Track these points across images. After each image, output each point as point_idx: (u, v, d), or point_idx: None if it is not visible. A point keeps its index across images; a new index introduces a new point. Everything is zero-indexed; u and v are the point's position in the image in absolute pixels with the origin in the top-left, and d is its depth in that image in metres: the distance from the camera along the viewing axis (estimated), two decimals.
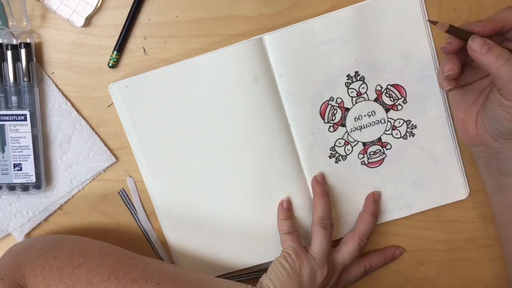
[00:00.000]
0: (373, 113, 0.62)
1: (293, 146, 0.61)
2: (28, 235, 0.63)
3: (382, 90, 0.61)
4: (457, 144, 0.63)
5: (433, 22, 0.53)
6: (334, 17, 0.59)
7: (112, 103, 0.61)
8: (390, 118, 0.62)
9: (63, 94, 0.61)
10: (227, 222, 0.62)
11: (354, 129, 0.62)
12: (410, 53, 0.60)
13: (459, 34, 0.52)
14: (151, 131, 0.60)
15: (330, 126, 0.62)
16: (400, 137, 0.63)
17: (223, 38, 0.61)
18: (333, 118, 0.62)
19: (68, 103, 0.61)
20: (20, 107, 0.59)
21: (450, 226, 0.66)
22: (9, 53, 0.58)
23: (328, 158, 0.62)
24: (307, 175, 0.62)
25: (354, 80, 0.61)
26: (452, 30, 0.52)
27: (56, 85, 0.61)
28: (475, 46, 0.51)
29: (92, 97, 0.61)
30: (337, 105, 0.61)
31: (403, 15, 0.60)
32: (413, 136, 0.63)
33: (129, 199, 0.63)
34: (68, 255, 0.52)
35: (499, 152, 0.55)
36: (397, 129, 0.62)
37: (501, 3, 0.61)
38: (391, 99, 0.62)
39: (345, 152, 0.62)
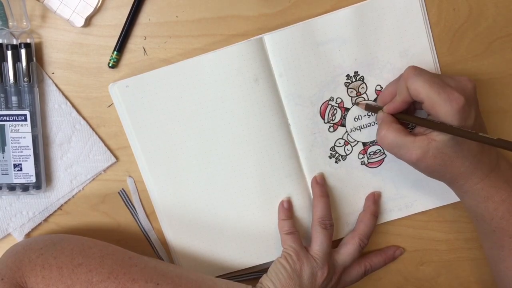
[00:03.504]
0: (373, 113, 0.62)
1: (293, 146, 0.61)
2: (28, 235, 0.63)
3: (382, 90, 0.61)
4: None
5: (355, 104, 0.61)
6: (334, 17, 0.59)
7: (112, 103, 0.61)
8: None
9: (63, 94, 0.61)
10: (227, 222, 0.62)
11: (354, 129, 0.62)
12: (410, 53, 0.61)
13: (374, 110, 0.60)
14: (151, 131, 0.60)
15: (330, 126, 0.62)
16: None
17: (223, 38, 0.61)
18: (333, 118, 0.62)
19: (68, 103, 0.61)
20: (20, 107, 0.59)
21: (450, 226, 0.66)
22: (9, 53, 0.58)
23: (328, 158, 0.62)
24: (307, 175, 0.62)
25: (353, 80, 0.61)
26: (368, 108, 0.60)
27: (56, 85, 0.61)
28: (377, 121, 0.59)
29: (92, 97, 0.61)
30: (337, 105, 0.61)
31: (403, 15, 0.60)
32: None
33: (129, 199, 0.63)
34: (68, 254, 0.52)
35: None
36: None
37: (500, 2, 0.61)
38: None
39: (345, 152, 0.62)
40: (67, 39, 0.60)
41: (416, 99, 0.54)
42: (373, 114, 0.62)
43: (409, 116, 0.56)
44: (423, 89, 0.52)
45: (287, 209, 0.62)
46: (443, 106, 0.51)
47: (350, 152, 0.63)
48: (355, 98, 0.61)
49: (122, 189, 0.63)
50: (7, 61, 0.58)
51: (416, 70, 0.53)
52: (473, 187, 0.55)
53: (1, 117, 0.59)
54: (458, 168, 0.54)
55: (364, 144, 0.63)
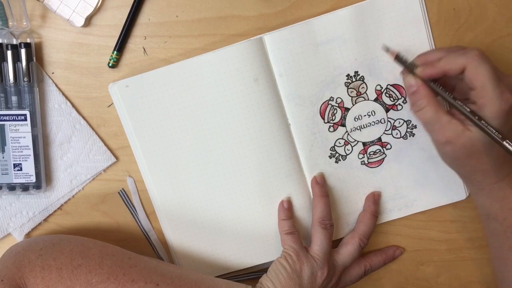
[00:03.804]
0: (373, 113, 0.62)
1: (293, 146, 0.61)
2: (28, 235, 0.63)
3: (382, 90, 0.61)
4: None
5: (385, 49, 0.58)
6: (334, 17, 0.59)
7: (112, 103, 0.61)
8: (390, 118, 0.62)
9: (63, 94, 0.61)
10: (227, 222, 0.62)
11: (354, 129, 0.62)
12: (410, 53, 0.60)
13: (404, 64, 0.56)
14: (151, 131, 0.60)
15: (330, 126, 0.62)
16: (400, 137, 0.63)
17: (223, 38, 0.61)
18: (333, 118, 0.62)
19: (68, 103, 0.61)
20: (20, 107, 0.59)
21: (450, 226, 0.66)
22: (9, 53, 0.58)
23: (328, 158, 0.62)
24: (307, 175, 0.62)
25: (353, 80, 0.61)
26: (398, 59, 0.56)
27: (56, 85, 0.61)
28: (405, 84, 0.56)
29: (92, 97, 0.61)
30: (337, 105, 0.61)
31: (403, 15, 0.60)
32: (413, 136, 0.63)
33: (129, 199, 0.63)
34: (67, 255, 0.52)
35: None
36: (397, 129, 0.62)
37: (500, 2, 0.61)
38: (391, 99, 0.62)
39: (345, 152, 0.62)
40: (67, 39, 0.60)
41: (468, 83, 0.52)
42: (373, 113, 0.61)
43: (456, 101, 0.53)
44: (482, 77, 0.50)
45: (287, 209, 0.62)
46: (493, 101, 0.50)
47: (350, 152, 0.63)
48: (355, 98, 0.61)
49: (122, 189, 0.63)
50: (7, 61, 0.58)
51: (484, 56, 0.51)
52: (490, 185, 0.54)
53: (1, 117, 0.59)
54: (482, 164, 0.53)
55: (364, 144, 0.63)
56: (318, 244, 0.60)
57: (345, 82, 0.61)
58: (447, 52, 0.54)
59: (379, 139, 0.63)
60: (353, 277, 0.62)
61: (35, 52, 0.59)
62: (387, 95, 0.61)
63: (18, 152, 0.60)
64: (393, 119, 0.62)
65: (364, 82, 0.61)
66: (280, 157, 0.61)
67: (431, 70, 0.53)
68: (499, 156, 0.53)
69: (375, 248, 0.66)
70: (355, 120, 0.62)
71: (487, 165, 0.53)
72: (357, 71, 0.61)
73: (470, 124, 0.52)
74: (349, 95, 0.61)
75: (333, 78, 0.61)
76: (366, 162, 0.63)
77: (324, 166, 0.62)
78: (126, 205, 0.63)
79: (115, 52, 0.60)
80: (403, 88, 0.61)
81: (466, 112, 0.52)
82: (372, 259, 0.64)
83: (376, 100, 0.61)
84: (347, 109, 0.62)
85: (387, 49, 0.57)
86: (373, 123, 0.62)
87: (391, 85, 0.61)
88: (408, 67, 0.55)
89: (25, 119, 0.59)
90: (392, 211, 0.64)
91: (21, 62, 0.58)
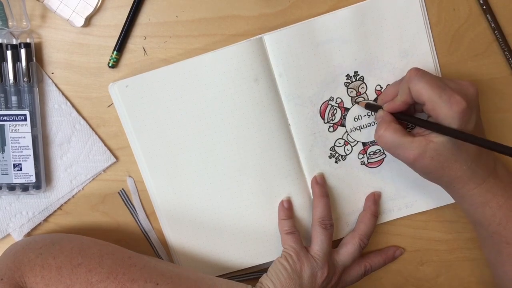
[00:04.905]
0: (373, 113, 0.62)
1: (293, 146, 0.61)
2: (27, 235, 0.62)
3: (382, 90, 0.61)
4: None
5: (355, 102, 0.61)
6: (334, 17, 0.59)
7: (112, 103, 0.61)
8: None
9: (63, 94, 0.61)
10: (227, 222, 0.62)
11: (353, 129, 0.62)
12: (410, 53, 0.61)
13: (374, 109, 0.60)
14: (151, 131, 0.60)
15: (330, 126, 0.62)
16: None
17: (223, 38, 0.61)
18: (333, 118, 0.62)
19: (68, 103, 0.61)
20: (20, 107, 0.59)
21: (450, 226, 0.66)
22: (9, 53, 0.58)
23: (328, 158, 0.62)
24: (307, 175, 0.62)
25: (353, 80, 0.61)
26: (368, 106, 0.60)
27: (56, 85, 0.61)
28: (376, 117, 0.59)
29: (92, 97, 0.61)
30: (337, 105, 0.61)
31: (403, 15, 0.60)
32: None
33: (129, 199, 0.63)
34: (67, 254, 0.52)
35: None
36: None
37: (500, 2, 0.61)
38: None
39: (345, 152, 0.62)
40: (67, 39, 0.60)
41: (417, 101, 0.54)
42: (372, 113, 0.62)
43: (408, 116, 0.56)
44: (425, 91, 0.52)
45: (287, 209, 0.62)
46: (444, 108, 0.51)
47: (350, 152, 0.63)
48: (355, 98, 0.61)
49: (122, 189, 0.63)
50: (7, 61, 0.58)
51: (419, 72, 0.53)
52: (470, 192, 0.55)
53: (1, 117, 0.59)
54: (455, 171, 0.54)
55: (364, 144, 0.63)
56: (318, 244, 0.60)
57: (345, 82, 0.61)
58: (398, 84, 0.57)
59: None
60: (353, 277, 0.62)
61: (35, 52, 0.59)
62: None
63: (18, 152, 0.60)
64: None
65: (363, 82, 0.61)
66: (280, 157, 0.61)
67: (393, 104, 0.56)
68: (470, 161, 0.53)
69: (375, 248, 0.66)
70: (354, 120, 0.62)
71: (459, 171, 0.54)
72: (357, 71, 0.61)
73: (433, 136, 0.53)
74: (349, 95, 0.61)
75: (333, 78, 0.61)
76: (366, 162, 0.63)
77: (324, 166, 0.62)
78: (126, 205, 0.63)
79: (115, 52, 0.60)
80: None
81: (427, 122, 0.54)
82: (372, 259, 0.64)
83: (376, 100, 0.61)
84: (347, 109, 0.62)
85: (357, 102, 0.61)
86: (373, 123, 0.62)
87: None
88: (378, 108, 0.58)
89: (25, 119, 0.59)
90: (392, 211, 0.64)
91: (21, 62, 0.58)
